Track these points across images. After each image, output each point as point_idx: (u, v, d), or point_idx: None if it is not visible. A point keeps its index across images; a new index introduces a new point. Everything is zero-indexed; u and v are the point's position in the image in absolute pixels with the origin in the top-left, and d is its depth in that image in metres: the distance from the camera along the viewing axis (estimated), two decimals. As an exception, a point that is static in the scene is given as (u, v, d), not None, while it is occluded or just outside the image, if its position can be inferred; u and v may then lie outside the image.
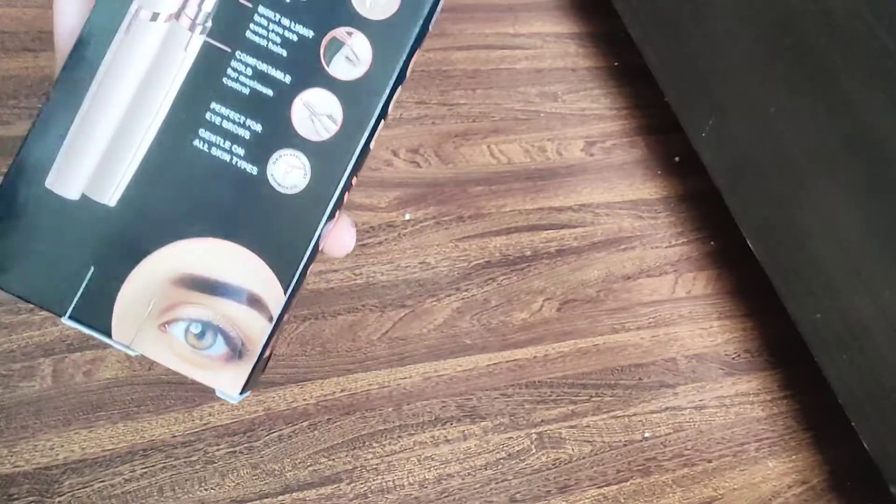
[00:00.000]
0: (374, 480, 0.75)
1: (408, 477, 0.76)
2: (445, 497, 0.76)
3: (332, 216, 0.28)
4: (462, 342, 0.86)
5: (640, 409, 0.87)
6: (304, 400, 0.78)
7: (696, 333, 0.95)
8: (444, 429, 0.80)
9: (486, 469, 0.79)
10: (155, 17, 0.26)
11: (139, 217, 0.27)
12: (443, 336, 0.85)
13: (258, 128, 0.27)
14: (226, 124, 0.27)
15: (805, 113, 0.83)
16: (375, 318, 0.84)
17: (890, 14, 0.72)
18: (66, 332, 0.75)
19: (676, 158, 1.09)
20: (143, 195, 0.27)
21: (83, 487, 0.69)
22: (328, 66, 0.26)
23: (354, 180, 0.28)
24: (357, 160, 0.27)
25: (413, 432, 0.79)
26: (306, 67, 0.26)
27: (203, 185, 0.27)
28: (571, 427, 0.84)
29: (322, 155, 0.27)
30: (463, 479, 0.78)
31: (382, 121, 0.28)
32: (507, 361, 0.86)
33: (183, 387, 0.75)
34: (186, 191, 0.27)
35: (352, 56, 0.26)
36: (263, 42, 0.26)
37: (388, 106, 0.27)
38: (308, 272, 0.29)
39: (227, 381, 0.28)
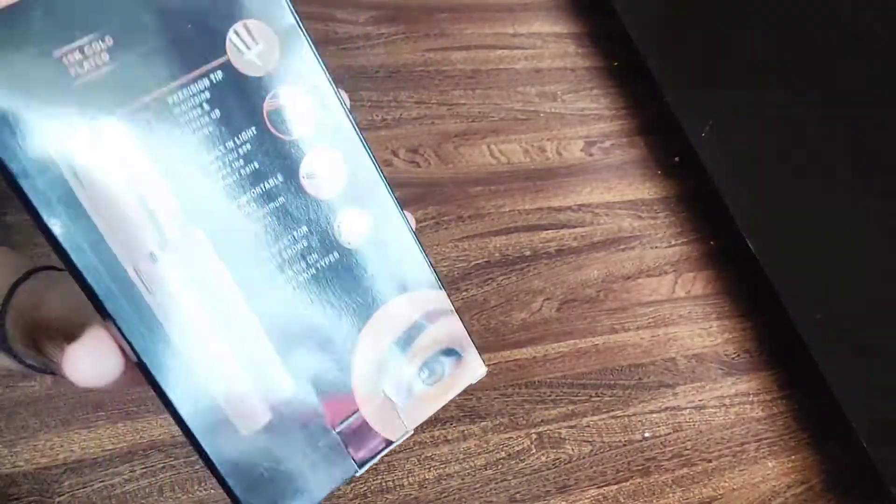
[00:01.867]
0: (373, 480, 0.75)
1: (407, 477, 0.76)
2: (445, 497, 0.76)
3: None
4: (462, 342, 0.86)
5: (639, 409, 0.87)
6: (304, 400, 0.78)
7: (696, 333, 0.95)
8: (444, 429, 0.80)
9: (485, 469, 0.79)
10: (154, 258, 0.23)
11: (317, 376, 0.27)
12: (442, 336, 0.85)
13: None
14: (294, 251, 0.26)
15: (805, 113, 0.83)
16: (375, 318, 0.84)
17: (890, 14, 0.72)
18: (65, 332, 0.75)
19: (676, 158, 1.09)
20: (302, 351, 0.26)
21: (83, 487, 0.69)
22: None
23: None
24: None
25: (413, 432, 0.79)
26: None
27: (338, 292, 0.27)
28: (571, 427, 0.84)
29: None
30: (463, 479, 0.78)
31: None
32: (507, 361, 0.86)
33: (183, 387, 0.75)
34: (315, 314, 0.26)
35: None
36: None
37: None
38: None
39: (474, 372, 0.30)
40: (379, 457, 0.28)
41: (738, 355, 0.95)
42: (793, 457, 0.89)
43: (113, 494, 0.69)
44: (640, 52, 1.05)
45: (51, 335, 0.31)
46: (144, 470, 0.71)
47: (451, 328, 0.29)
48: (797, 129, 0.84)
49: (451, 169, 0.98)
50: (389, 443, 0.28)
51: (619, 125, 1.11)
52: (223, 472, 0.25)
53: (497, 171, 1.00)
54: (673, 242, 1.02)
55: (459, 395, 0.29)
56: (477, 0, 1.16)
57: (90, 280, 0.22)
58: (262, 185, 0.25)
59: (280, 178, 0.25)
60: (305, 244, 0.26)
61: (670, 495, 0.83)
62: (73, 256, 0.22)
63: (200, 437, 0.24)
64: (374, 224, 0.27)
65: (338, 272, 0.26)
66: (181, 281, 0.24)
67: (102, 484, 0.69)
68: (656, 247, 1.01)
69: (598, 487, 0.81)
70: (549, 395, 0.85)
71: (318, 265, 0.26)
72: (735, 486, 0.85)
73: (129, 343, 0.23)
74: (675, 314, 0.96)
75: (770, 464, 0.88)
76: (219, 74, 0.24)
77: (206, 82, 0.24)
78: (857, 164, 0.79)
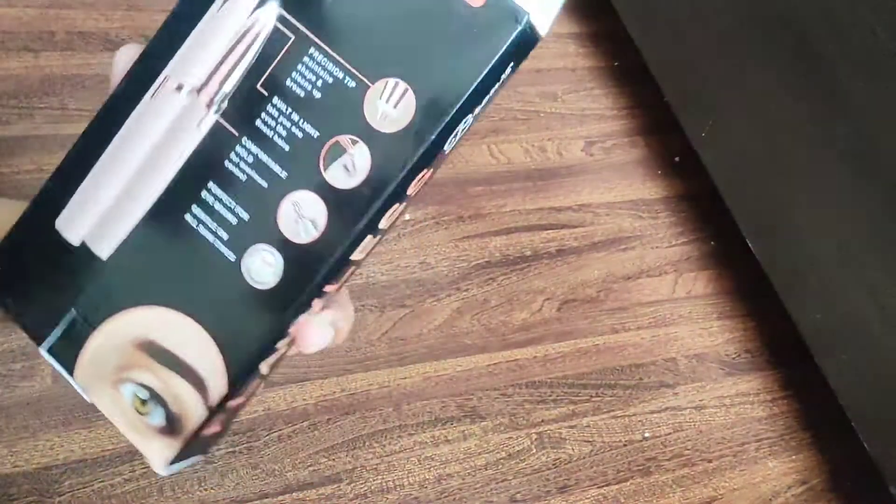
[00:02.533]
0: (374, 480, 0.75)
1: (408, 477, 0.76)
2: (445, 497, 0.76)
3: (294, 318, 0.27)
4: (462, 342, 0.86)
5: (639, 409, 0.87)
6: (304, 400, 0.78)
7: (696, 333, 0.95)
8: (444, 429, 0.80)
9: (486, 469, 0.79)
10: (179, 88, 0.27)
11: (122, 275, 0.28)
12: (443, 336, 0.85)
13: (245, 216, 0.27)
14: (217, 206, 0.27)
15: (805, 113, 0.83)
16: (375, 318, 0.84)
17: (890, 14, 0.72)
18: (66, 332, 0.75)
19: (676, 158, 1.09)
20: (130, 257, 0.27)
21: (83, 487, 0.69)
22: (325, 170, 0.26)
23: (331, 288, 0.28)
24: (331, 270, 0.27)
25: (413, 432, 0.79)
26: (304, 167, 0.26)
27: (184, 260, 0.27)
28: (571, 427, 0.84)
29: (297, 258, 0.26)
30: (463, 479, 0.78)
31: (371, 236, 0.27)
32: (507, 361, 0.86)
33: (183, 387, 0.75)
34: (168, 262, 0.27)
35: (350, 166, 0.26)
36: (270, 133, 0.26)
37: (377, 221, 0.27)
38: (266, 367, 0.29)
39: (156, 453, 0.28)
40: (56, 366, 0.29)
41: (739, 355, 0.95)
42: (793, 457, 0.89)
43: (113, 494, 0.69)
44: (640, 52, 1.05)
45: None
46: (144, 470, 0.71)
47: (195, 410, 0.28)
48: (797, 129, 0.84)
49: (451, 169, 0.98)
50: (71, 376, 0.29)
51: (620, 125, 1.11)
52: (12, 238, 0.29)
53: (497, 171, 1.00)
54: (673, 242, 1.02)
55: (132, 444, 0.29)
56: (477, 0, 1.16)
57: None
58: (278, 162, 0.26)
59: (285, 174, 0.26)
60: (233, 221, 0.27)
61: (670, 495, 0.83)
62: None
63: (37, 204, 0.28)
64: (276, 290, 0.27)
65: (213, 264, 0.27)
66: (161, 125, 0.27)
67: (102, 484, 0.69)
68: (657, 247, 1.01)
69: (599, 487, 0.81)
70: (550, 395, 0.85)
71: (215, 243, 0.27)
72: (735, 486, 0.85)
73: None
74: (675, 314, 0.96)
75: (770, 464, 0.88)
76: None
77: None
78: (856, 164, 0.79)
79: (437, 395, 0.82)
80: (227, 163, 0.27)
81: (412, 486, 0.76)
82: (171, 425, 0.28)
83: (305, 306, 0.27)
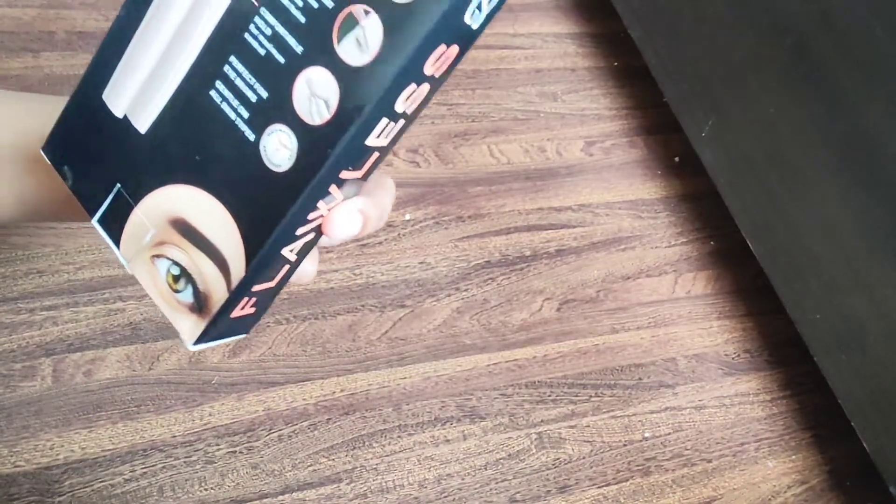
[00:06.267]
0: (373, 480, 0.75)
1: (408, 477, 0.76)
2: (445, 497, 0.76)
3: (312, 205, 0.27)
4: (462, 342, 0.86)
5: (639, 409, 0.87)
6: (304, 400, 0.78)
7: (696, 333, 0.95)
8: (444, 429, 0.80)
9: (485, 469, 0.79)
10: None
11: (158, 151, 0.28)
12: (442, 336, 0.85)
13: (264, 94, 0.26)
14: (238, 82, 0.26)
15: (805, 113, 0.83)
16: (375, 318, 0.84)
17: (889, 14, 0.72)
18: (66, 332, 0.75)
19: (676, 158, 1.09)
20: (164, 131, 0.28)
21: (83, 487, 0.69)
22: (338, 44, 0.25)
23: (351, 174, 0.27)
24: (347, 155, 0.26)
25: (413, 432, 0.79)
26: (318, 41, 0.25)
27: (210, 137, 0.27)
28: (571, 427, 0.84)
29: (310, 140, 0.25)
30: (463, 479, 0.78)
31: (388, 119, 0.26)
32: (507, 361, 0.86)
33: (183, 386, 0.75)
34: (197, 139, 0.27)
35: (362, 40, 0.24)
36: (286, 2, 0.25)
37: (391, 102, 0.25)
38: (292, 255, 0.28)
39: (186, 329, 0.29)
40: (105, 237, 0.30)
41: (738, 355, 0.95)
42: (793, 457, 0.89)
43: (113, 494, 0.69)
44: (640, 52, 1.05)
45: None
46: (144, 470, 0.71)
47: (218, 290, 0.28)
48: (797, 129, 0.84)
49: (451, 169, 0.98)
50: (118, 248, 0.30)
51: (619, 125, 1.11)
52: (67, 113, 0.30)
53: (497, 171, 1.00)
54: (673, 242, 1.02)
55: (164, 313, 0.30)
56: (477, 0, 1.16)
57: None
58: (294, 35, 0.25)
59: (301, 49, 0.25)
60: (252, 99, 0.26)
61: (670, 495, 0.83)
62: None
63: (89, 76, 0.29)
64: (290, 173, 0.27)
65: (235, 143, 0.27)
66: (168, 23, 0.27)
67: (102, 484, 0.69)
68: (656, 247, 1.01)
69: (598, 487, 0.81)
70: (549, 395, 0.85)
71: (237, 121, 0.27)
72: (735, 486, 0.85)
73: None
74: (675, 314, 0.96)
75: (770, 464, 0.88)
76: None
77: None
78: (856, 164, 0.79)
79: (437, 395, 0.82)
80: (247, 35, 0.26)
81: (412, 486, 0.76)
82: (199, 304, 0.28)
83: (323, 193, 0.26)
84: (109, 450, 0.71)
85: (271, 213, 0.26)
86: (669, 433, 0.86)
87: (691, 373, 0.92)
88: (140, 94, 0.28)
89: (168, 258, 0.28)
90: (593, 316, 0.92)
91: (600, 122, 1.10)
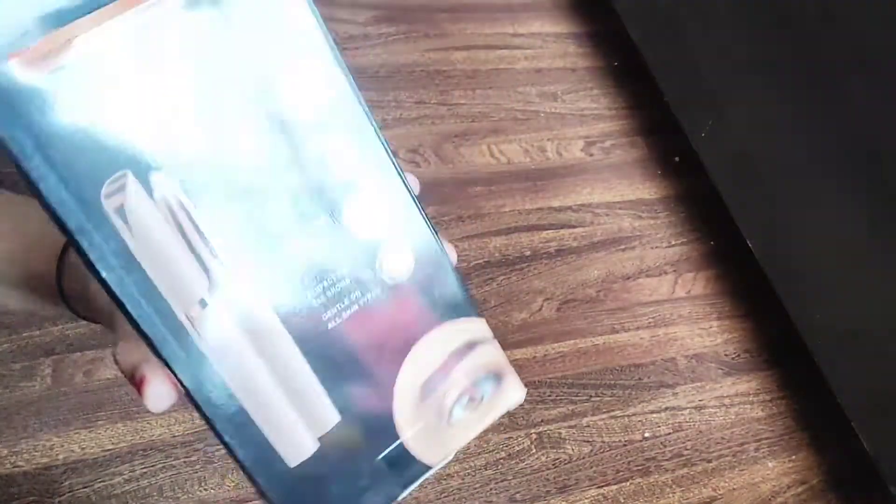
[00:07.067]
0: (373, 480, 0.75)
1: (407, 477, 0.76)
2: (445, 497, 0.76)
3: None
4: (462, 342, 0.86)
5: (639, 409, 0.87)
6: (304, 400, 0.78)
7: (696, 333, 0.95)
8: (444, 429, 0.80)
9: (485, 469, 0.79)
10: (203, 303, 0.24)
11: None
12: (442, 336, 0.85)
13: None
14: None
15: (805, 113, 0.83)
16: (375, 318, 0.84)
17: (890, 14, 0.72)
18: (66, 332, 0.75)
19: (676, 158, 1.09)
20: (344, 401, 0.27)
21: (83, 487, 0.69)
22: None
23: None
24: None
25: (413, 432, 0.79)
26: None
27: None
28: (571, 427, 0.84)
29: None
30: (462, 479, 0.78)
31: None
32: (507, 361, 0.86)
33: (183, 387, 0.75)
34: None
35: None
36: None
37: None
38: None
39: (513, 396, 0.30)
40: (420, 481, 0.29)
41: (738, 355, 0.95)
42: (793, 457, 0.89)
43: (113, 494, 0.69)
44: (640, 52, 1.05)
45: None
46: (144, 470, 0.71)
47: (491, 354, 0.29)
48: (797, 129, 0.84)
49: (451, 169, 0.98)
50: (430, 468, 0.29)
51: (619, 125, 1.11)
52: (276, 502, 0.26)
53: (497, 171, 1.00)
54: (673, 242, 1.02)
55: (499, 418, 0.29)
56: (477, 0, 1.16)
57: (145, 328, 0.23)
58: (306, 227, 0.25)
59: (323, 218, 0.25)
60: (347, 283, 0.26)
61: (670, 495, 0.83)
62: (129, 307, 0.22)
63: (252, 469, 0.25)
64: (416, 260, 0.28)
65: (379, 307, 0.27)
66: (229, 323, 0.24)
67: (102, 484, 0.69)
68: (656, 247, 1.01)
69: (598, 487, 0.81)
70: (549, 395, 0.85)
71: (361, 302, 0.26)
72: (735, 486, 0.85)
73: (181, 381, 0.24)
74: (675, 314, 0.96)
75: (770, 464, 0.88)
76: None
77: None
78: (856, 164, 0.79)
79: (437, 395, 0.82)
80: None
81: (412, 486, 0.76)
82: (493, 380, 0.29)
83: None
84: (109, 450, 0.71)
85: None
86: (669, 433, 0.86)
87: (691, 373, 0.92)
88: (301, 416, 0.26)
89: (456, 402, 0.29)
90: (593, 316, 0.92)
91: (600, 121, 1.10)
